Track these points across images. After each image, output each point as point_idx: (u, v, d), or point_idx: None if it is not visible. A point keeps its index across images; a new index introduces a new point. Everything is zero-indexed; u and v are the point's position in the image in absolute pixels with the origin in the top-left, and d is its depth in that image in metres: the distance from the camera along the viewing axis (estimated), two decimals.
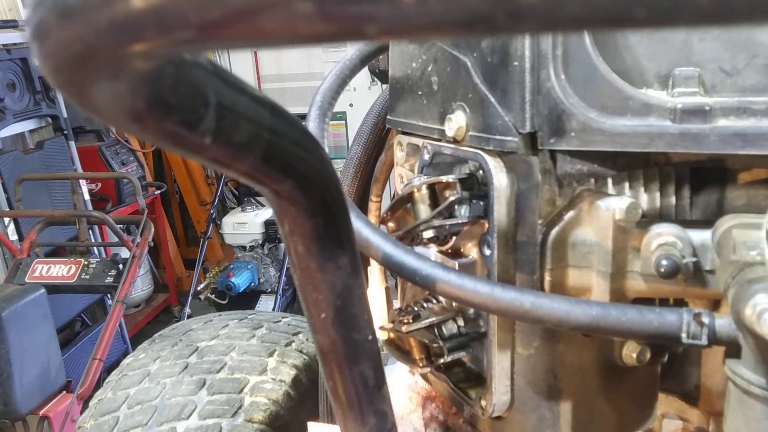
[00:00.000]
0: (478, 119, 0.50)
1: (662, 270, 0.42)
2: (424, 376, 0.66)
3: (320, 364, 0.35)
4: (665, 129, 0.42)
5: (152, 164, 4.46)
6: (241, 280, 3.86)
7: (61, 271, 2.51)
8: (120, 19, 0.16)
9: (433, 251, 0.57)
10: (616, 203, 0.45)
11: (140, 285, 3.92)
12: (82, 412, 1.72)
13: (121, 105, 0.20)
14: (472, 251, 0.54)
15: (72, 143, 3.34)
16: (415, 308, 0.56)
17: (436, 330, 0.54)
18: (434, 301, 0.57)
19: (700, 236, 0.44)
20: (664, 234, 0.44)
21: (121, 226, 2.91)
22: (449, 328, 0.54)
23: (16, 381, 1.96)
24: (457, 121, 0.51)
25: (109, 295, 2.76)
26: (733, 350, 0.39)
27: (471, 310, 0.55)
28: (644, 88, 0.45)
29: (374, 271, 0.80)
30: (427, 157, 0.58)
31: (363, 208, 0.82)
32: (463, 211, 0.50)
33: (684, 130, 0.42)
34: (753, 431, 0.39)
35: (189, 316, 3.62)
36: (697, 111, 0.42)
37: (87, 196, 3.24)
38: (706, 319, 0.39)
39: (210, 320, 1.16)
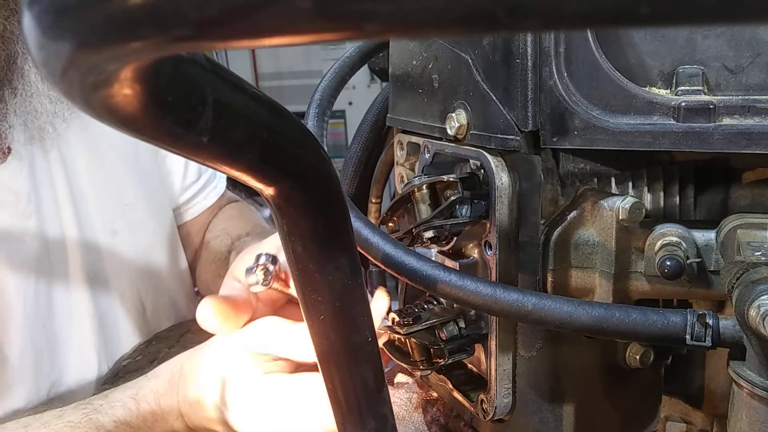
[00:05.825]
0: (480, 118, 0.50)
1: (666, 271, 0.42)
2: (424, 379, 0.66)
3: (319, 365, 0.35)
4: (669, 128, 0.42)
5: None
6: None
7: None
8: (116, 17, 0.16)
9: (433, 251, 0.57)
10: (620, 203, 0.44)
11: None
12: None
13: (117, 104, 0.20)
14: (473, 252, 0.54)
15: None
16: (416, 310, 0.56)
17: (436, 332, 0.54)
18: (435, 302, 0.57)
19: (704, 236, 0.44)
20: (668, 234, 0.44)
21: None
22: (450, 329, 0.53)
23: None
24: (458, 120, 0.51)
25: None
26: (737, 352, 0.39)
27: (472, 312, 0.54)
28: (648, 86, 0.45)
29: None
30: (427, 156, 0.57)
31: (363, 207, 0.81)
32: (464, 211, 0.50)
33: (688, 128, 0.41)
34: None
35: None
36: (701, 109, 0.41)
37: None
38: (710, 321, 0.39)
39: None
